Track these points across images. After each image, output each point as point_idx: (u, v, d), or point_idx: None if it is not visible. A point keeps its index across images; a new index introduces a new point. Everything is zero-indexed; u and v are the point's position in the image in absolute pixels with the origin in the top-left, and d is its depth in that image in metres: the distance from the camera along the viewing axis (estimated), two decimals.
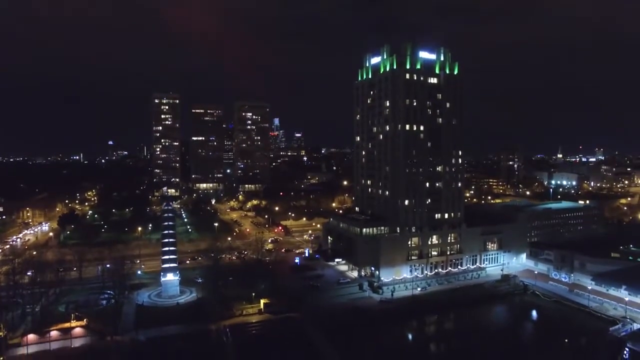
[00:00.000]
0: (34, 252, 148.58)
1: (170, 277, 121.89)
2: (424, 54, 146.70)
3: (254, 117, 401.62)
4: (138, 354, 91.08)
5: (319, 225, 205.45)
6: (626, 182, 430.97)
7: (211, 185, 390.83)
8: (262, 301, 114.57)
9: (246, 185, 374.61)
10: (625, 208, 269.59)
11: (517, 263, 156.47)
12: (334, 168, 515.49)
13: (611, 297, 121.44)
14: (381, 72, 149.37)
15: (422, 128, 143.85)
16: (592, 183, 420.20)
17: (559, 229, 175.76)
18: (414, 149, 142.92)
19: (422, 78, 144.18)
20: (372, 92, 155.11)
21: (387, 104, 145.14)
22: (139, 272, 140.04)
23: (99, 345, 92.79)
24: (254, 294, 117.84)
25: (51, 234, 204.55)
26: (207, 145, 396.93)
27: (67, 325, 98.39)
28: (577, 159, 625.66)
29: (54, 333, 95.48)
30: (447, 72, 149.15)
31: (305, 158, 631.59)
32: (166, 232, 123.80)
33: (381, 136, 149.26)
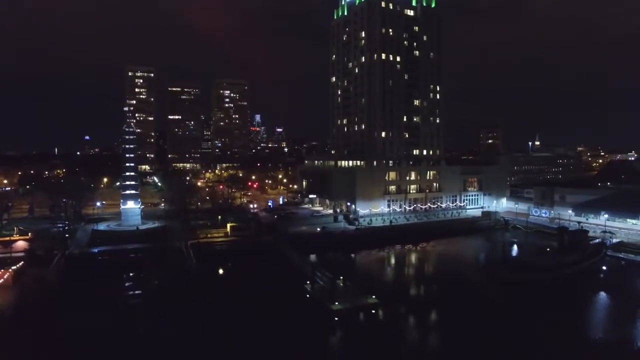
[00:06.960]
0: None
1: (130, 204, 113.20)
2: None
3: (232, 95, 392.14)
4: (87, 262, 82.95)
5: (296, 187, 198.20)
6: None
7: (188, 165, 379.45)
8: (229, 225, 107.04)
9: (224, 165, 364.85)
10: None
11: (498, 206, 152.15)
12: None
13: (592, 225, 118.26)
14: (357, 4, 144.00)
15: (398, 59, 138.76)
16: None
17: (538, 175, 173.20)
18: (391, 80, 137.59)
19: (398, 8, 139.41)
20: (347, 29, 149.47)
21: (363, 35, 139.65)
22: (98, 204, 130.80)
23: (44, 255, 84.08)
24: (220, 217, 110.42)
25: (8, 188, 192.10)
26: (183, 124, 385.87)
27: (8, 238, 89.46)
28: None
29: None
30: (424, 4, 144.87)
31: (286, 149, 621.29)
32: (127, 155, 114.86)
33: (357, 69, 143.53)
